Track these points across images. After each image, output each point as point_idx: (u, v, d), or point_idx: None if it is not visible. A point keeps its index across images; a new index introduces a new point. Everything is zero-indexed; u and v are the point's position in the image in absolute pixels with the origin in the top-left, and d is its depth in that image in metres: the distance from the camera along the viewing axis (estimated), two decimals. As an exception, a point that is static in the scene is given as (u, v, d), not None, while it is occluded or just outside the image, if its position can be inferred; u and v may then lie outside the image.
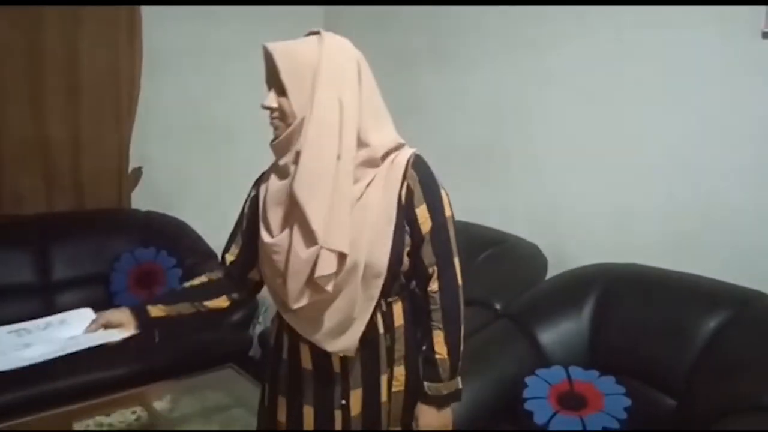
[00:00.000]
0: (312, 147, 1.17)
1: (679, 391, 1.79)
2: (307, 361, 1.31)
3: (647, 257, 2.15)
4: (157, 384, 2.17)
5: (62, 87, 2.82)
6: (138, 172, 3.13)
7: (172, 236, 2.97)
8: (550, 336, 2.05)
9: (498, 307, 2.26)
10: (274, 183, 1.26)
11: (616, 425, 1.72)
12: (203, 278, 1.44)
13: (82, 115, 2.89)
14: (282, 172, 1.23)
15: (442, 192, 1.29)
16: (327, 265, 1.16)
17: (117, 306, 2.62)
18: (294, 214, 1.20)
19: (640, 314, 1.97)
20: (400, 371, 1.33)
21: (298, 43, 1.21)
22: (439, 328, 1.29)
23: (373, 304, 1.26)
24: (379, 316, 1.29)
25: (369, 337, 1.27)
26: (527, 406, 1.81)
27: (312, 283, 1.19)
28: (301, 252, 1.17)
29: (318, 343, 1.26)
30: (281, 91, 1.19)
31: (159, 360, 2.39)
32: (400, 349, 1.33)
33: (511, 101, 2.75)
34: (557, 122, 2.58)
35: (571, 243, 2.54)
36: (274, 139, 1.25)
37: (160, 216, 3.05)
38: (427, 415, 1.31)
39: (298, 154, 1.18)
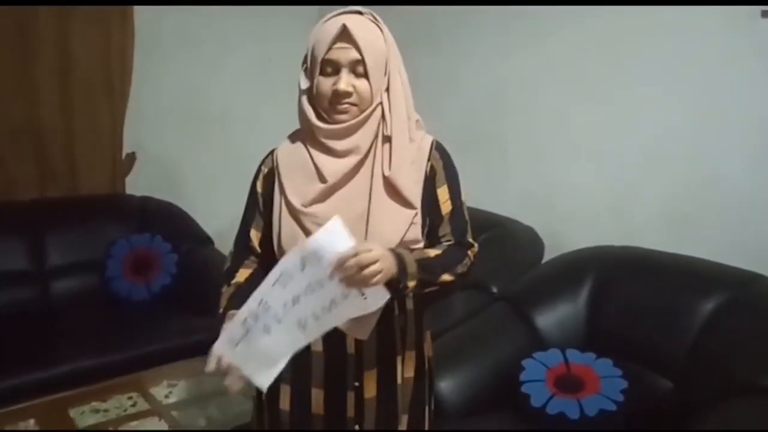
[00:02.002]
0: (399, 133, 1.21)
1: (676, 373, 1.79)
2: (317, 344, 1.26)
3: (644, 240, 2.15)
4: (154, 369, 2.17)
5: (54, 72, 2.80)
6: (132, 157, 3.10)
7: (167, 221, 2.95)
8: (547, 319, 2.05)
9: (495, 290, 2.26)
10: (328, 161, 1.22)
11: (613, 408, 1.72)
12: (247, 272, 1.33)
13: (74, 100, 2.87)
14: (340, 153, 1.22)
15: (459, 177, 1.32)
16: (416, 231, 1.23)
17: (114, 292, 2.68)
18: (374, 193, 1.21)
19: (638, 297, 1.96)
20: (410, 355, 1.33)
21: (369, 28, 1.20)
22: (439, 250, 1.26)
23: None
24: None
25: (384, 317, 1.25)
26: (524, 388, 1.82)
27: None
28: (390, 223, 1.21)
29: (341, 326, 1.21)
30: (359, 76, 1.19)
31: (155, 345, 2.39)
32: (411, 332, 1.33)
33: (509, 85, 2.73)
34: (554, 106, 2.56)
35: (568, 226, 2.54)
36: (330, 122, 1.21)
37: (154, 201, 3.04)
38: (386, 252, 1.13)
39: (387, 138, 1.21)
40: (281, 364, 1.19)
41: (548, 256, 2.44)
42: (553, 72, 2.55)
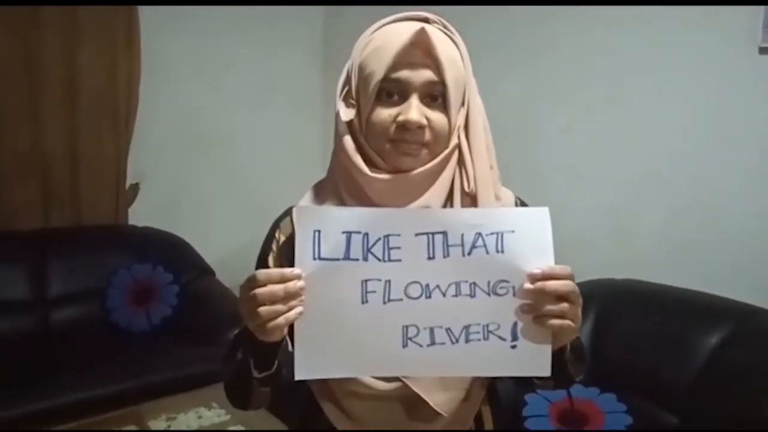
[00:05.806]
0: (484, 187, 0.88)
1: (681, 408, 1.78)
2: None
3: (646, 265, 2.15)
4: (152, 402, 2.14)
5: (60, 100, 2.82)
6: (135, 188, 3.12)
7: (168, 252, 2.95)
8: (550, 352, 2.03)
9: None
10: None
11: (617, 444, 1.70)
12: None
13: (79, 128, 2.88)
14: None
15: None
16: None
17: (114, 323, 2.67)
18: None
19: (640, 330, 1.96)
20: None
21: (445, 41, 0.85)
22: None
23: (483, 393, 0.94)
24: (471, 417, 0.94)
25: None
26: (528, 424, 1.80)
27: None
28: None
29: None
30: (433, 105, 0.84)
31: (154, 377, 2.37)
32: None
33: (508, 108, 2.73)
34: (555, 135, 2.58)
35: (569, 251, 2.50)
36: (386, 170, 0.84)
37: (157, 232, 3.04)
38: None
39: (468, 196, 0.87)
40: (335, 372, 0.77)
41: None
42: (553, 96, 2.57)
